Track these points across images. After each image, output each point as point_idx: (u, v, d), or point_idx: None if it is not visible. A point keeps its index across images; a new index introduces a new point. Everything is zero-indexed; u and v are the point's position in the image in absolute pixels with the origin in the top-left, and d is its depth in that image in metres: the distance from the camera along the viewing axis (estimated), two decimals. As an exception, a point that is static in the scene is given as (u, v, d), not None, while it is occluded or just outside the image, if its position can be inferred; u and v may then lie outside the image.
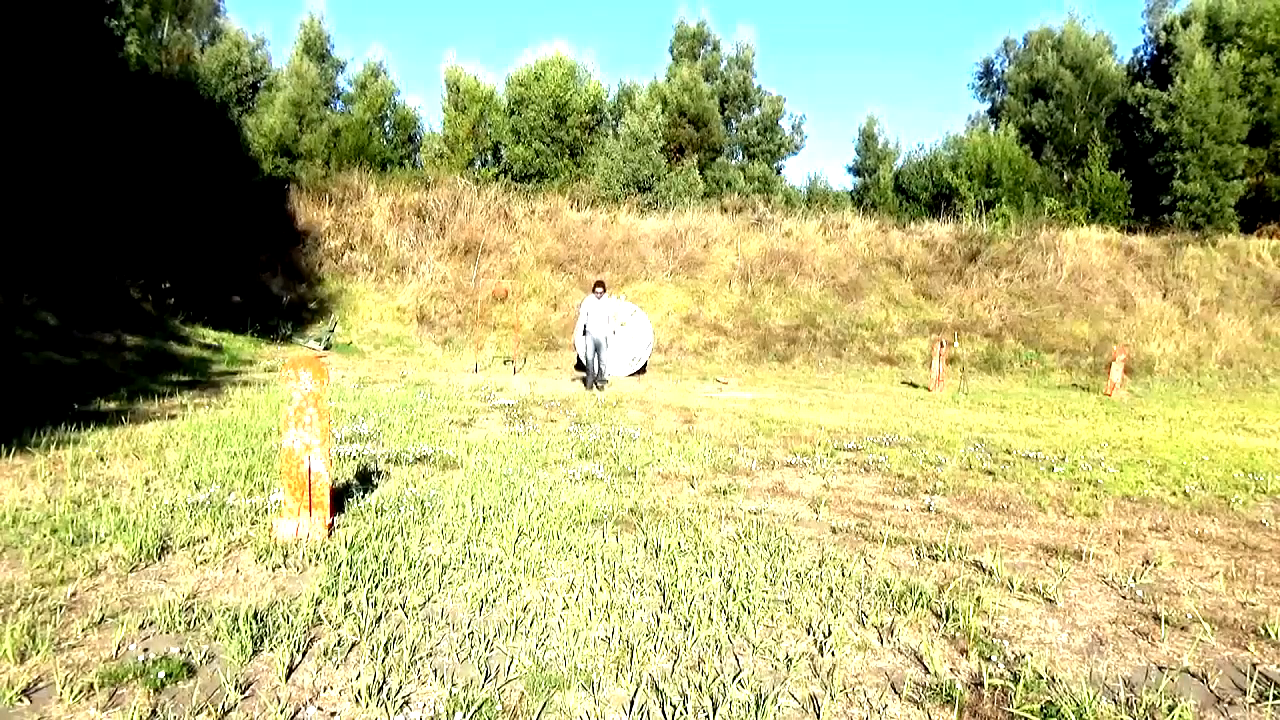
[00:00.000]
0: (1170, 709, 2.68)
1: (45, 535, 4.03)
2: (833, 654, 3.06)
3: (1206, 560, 4.59)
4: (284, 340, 17.01)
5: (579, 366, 15.38)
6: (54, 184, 13.85)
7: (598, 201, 24.61)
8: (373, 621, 3.18)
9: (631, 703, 2.65)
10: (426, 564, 3.83)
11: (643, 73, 48.86)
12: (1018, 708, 2.68)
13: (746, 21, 60.44)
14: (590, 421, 8.67)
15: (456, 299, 20.18)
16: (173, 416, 7.51)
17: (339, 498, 4.78)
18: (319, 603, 3.32)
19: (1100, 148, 26.39)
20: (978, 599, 3.68)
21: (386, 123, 28.17)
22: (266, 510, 4.56)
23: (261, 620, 3.11)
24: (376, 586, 3.53)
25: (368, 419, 7.90)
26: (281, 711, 2.49)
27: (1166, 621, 3.54)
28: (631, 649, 3.01)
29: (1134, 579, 4.12)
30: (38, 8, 13.54)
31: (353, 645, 2.99)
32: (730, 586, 3.67)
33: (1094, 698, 2.72)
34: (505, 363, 16.53)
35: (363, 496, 5.02)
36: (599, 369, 12.89)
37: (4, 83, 12.71)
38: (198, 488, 4.99)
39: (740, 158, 29.98)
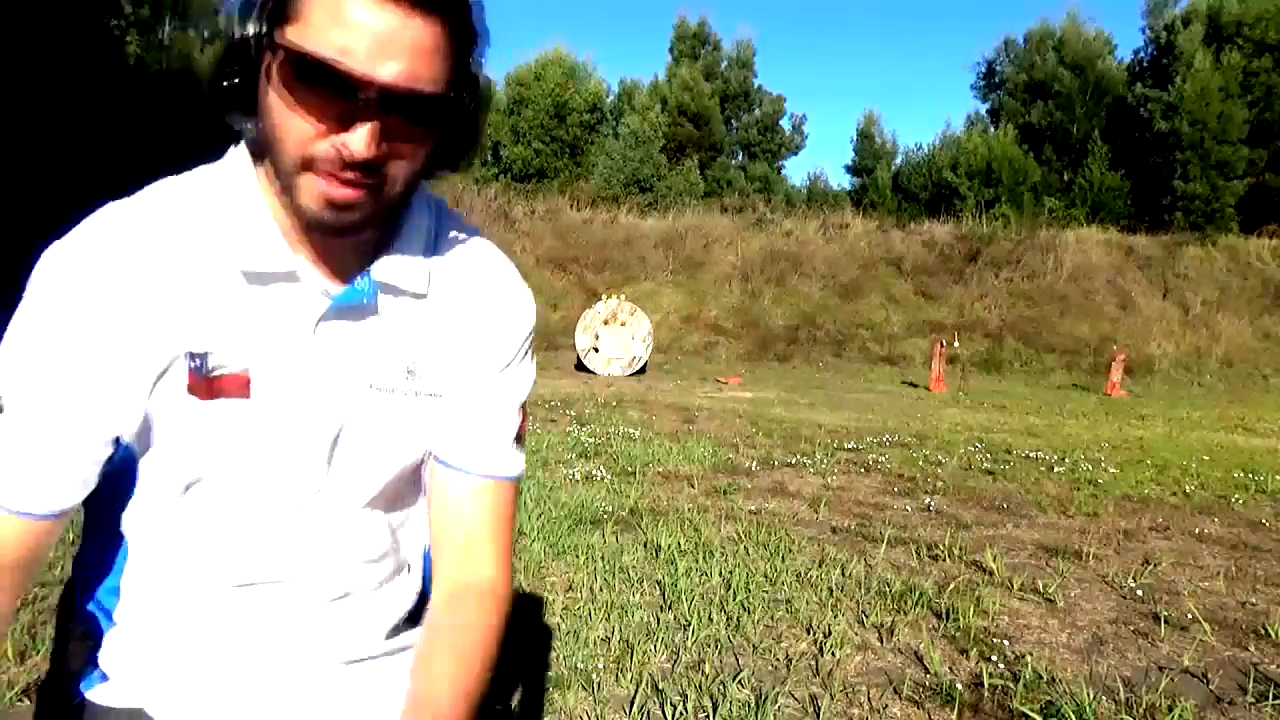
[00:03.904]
0: (1170, 709, 2.68)
1: (45, 535, 4.02)
2: (833, 654, 3.06)
3: (1206, 560, 4.59)
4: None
5: None
6: (54, 183, 13.85)
7: (598, 201, 24.61)
8: (373, 621, 3.18)
9: (631, 702, 2.65)
10: (426, 564, 3.83)
11: (643, 72, 48.92)
12: (1018, 708, 2.68)
13: (746, 21, 60.40)
14: (590, 421, 8.67)
15: (456, 299, 20.21)
16: (173, 416, 7.51)
17: (339, 497, 4.77)
18: (319, 603, 3.31)
19: (1100, 148, 26.38)
20: (978, 599, 3.68)
21: (386, 122, 28.17)
22: (266, 510, 4.55)
23: (261, 620, 3.11)
24: (376, 586, 3.52)
25: (368, 419, 7.89)
26: (281, 711, 2.49)
27: (1166, 621, 3.53)
28: (631, 649, 3.01)
29: (1134, 579, 4.12)
30: (39, 8, 13.55)
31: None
32: (730, 586, 3.67)
33: (1094, 698, 2.72)
34: (505, 362, 16.52)
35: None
36: None
37: (5, 82, 12.72)
38: (198, 487, 4.98)
39: (740, 157, 30.03)
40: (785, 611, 3.46)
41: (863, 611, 3.50)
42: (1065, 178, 27.46)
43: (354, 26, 0.61)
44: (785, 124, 30.17)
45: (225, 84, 0.67)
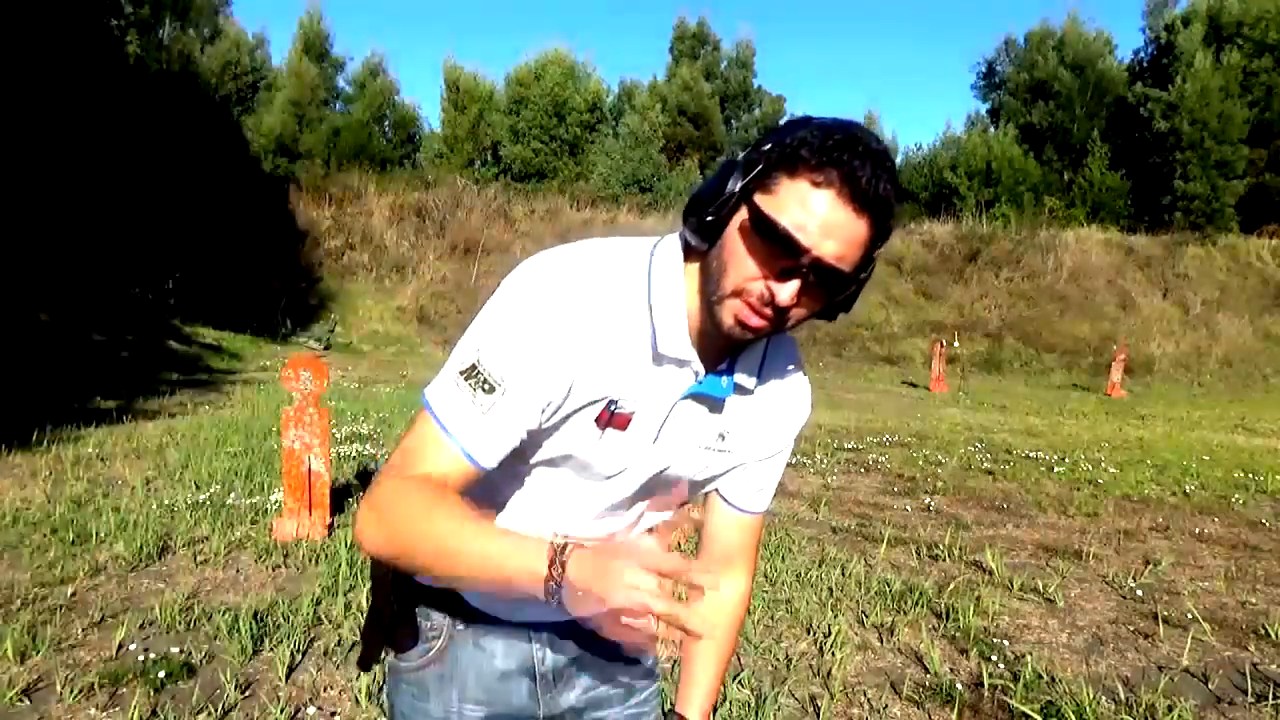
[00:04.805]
0: (1170, 709, 2.68)
1: (45, 535, 4.03)
2: (833, 654, 3.06)
3: (1206, 560, 4.59)
4: (284, 340, 17.00)
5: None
6: (54, 183, 13.85)
7: (598, 201, 24.61)
8: (373, 621, 3.18)
9: (631, 703, 2.65)
10: (426, 564, 3.83)
11: (643, 72, 48.85)
12: (1018, 707, 2.68)
13: (746, 21, 60.40)
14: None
15: (456, 299, 20.18)
16: (173, 416, 7.51)
17: (339, 498, 4.77)
18: (319, 603, 3.32)
19: (1100, 147, 26.37)
20: (978, 599, 3.68)
21: (386, 122, 28.17)
22: (266, 510, 4.56)
23: (261, 620, 3.11)
24: (376, 586, 3.52)
25: (368, 419, 7.90)
26: (281, 711, 2.49)
27: (1166, 621, 3.54)
28: (631, 649, 3.01)
29: (1134, 579, 4.12)
30: (41, 8, 13.54)
31: (353, 645, 2.99)
32: (730, 586, 3.67)
33: (1094, 698, 2.72)
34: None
35: (362, 496, 5.02)
36: None
37: (5, 81, 12.72)
38: (198, 488, 4.99)
39: (740, 157, 30.06)
40: (785, 611, 3.46)
41: (863, 611, 3.50)
42: (1065, 178, 27.44)
43: (811, 212, 0.82)
44: (785, 124, 30.21)
45: (705, 212, 0.90)
